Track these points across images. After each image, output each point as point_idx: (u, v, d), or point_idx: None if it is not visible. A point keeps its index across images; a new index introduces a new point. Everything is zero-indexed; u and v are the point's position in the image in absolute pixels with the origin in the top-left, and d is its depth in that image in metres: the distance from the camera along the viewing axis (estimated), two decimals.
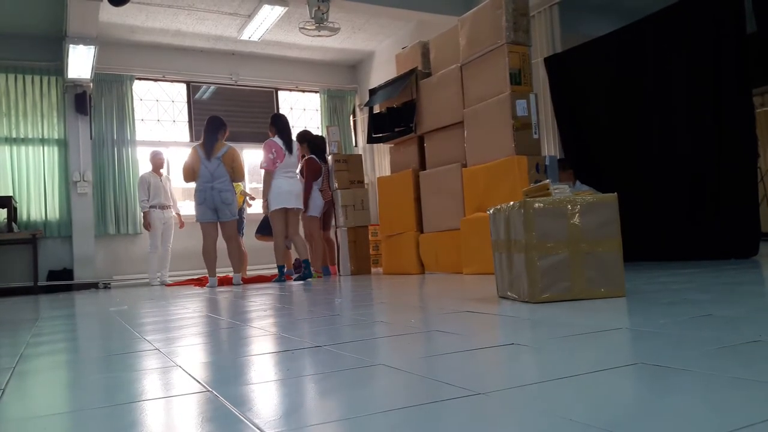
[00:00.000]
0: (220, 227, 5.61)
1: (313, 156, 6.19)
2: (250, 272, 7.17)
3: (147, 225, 7.06)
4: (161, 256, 7.14)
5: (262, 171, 5.75)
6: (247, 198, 7.18)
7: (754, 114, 4.13)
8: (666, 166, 4.46)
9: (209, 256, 5.57)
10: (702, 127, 4.20)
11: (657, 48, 4.51)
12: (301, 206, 5.80)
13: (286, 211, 5.62)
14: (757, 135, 4.05)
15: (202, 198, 5.49)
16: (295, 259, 6.19)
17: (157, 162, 7.17)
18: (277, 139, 5.66)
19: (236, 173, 5.67)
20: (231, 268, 5.94)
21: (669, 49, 4.42)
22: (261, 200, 7.11)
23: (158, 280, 7.11)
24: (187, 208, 7.45)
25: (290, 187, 5.64)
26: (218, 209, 5.52)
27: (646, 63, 4.60)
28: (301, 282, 5.36)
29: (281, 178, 5.61)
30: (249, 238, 7.22)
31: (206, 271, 5.75)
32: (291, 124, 6.00)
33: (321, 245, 6.30)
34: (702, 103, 4.19)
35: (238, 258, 5.71)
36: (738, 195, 4.02)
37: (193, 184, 5.68)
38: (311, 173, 6.09)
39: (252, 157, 8.64)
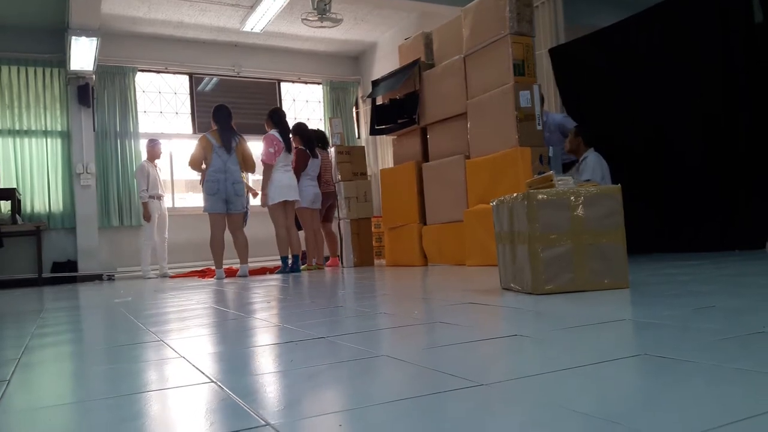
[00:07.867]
0: (227, 219, 5.54)
1: (302, 147, 6.18)
2: (252, 264, 7.17)
3: (147, 216, 6.97)
4: (159, 248, 7.11)
5: (261, 164, 5.76)
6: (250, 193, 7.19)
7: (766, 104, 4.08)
8: (673, 157, 4.43)
9: (218, 248, 5.49)
10: (710, 118, 4.16)
11: (663, 38, 4.47)
12: (299, 198, 5.86)
13: (285, 204, 5.71)
14: None
15: (214, 189, 5.39)
16: (302, 252, 6.19)
17: (155, 152, 7.13)
18: (275, 133, 5.67)
19: (248, 164, 5.66)
20: (232, 260, 5.92)
21: (676, 40, 4.38)
22: (257, 193, 7.15)
23: (157, 272, 7.10)
24: (190, 200, 7.42)
25: (290, 181, 5.74)
26: (230, 201, 5.47)
27: (652, 54, 4.56)
28: (288, 274, 5.40)
29: (281, 171, 5.67)
30: (250, 230, 7.22)
31: (210, 262, 5.73)
32: (293, 116, 6.00)
33: (321, 237, 6.33)
34: (711, 93, 4.15)
35: (245, 249, 5.67)
36: (748, 187, 3.99)
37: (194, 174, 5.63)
38: (298, 165, 6.07)
39: (254, 150, 8.62)
